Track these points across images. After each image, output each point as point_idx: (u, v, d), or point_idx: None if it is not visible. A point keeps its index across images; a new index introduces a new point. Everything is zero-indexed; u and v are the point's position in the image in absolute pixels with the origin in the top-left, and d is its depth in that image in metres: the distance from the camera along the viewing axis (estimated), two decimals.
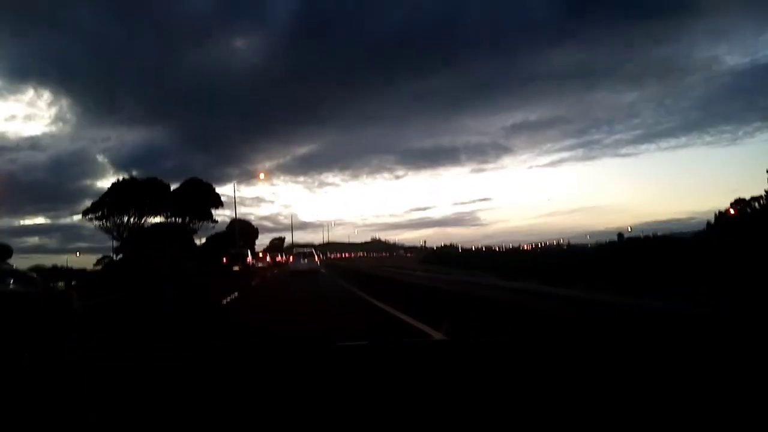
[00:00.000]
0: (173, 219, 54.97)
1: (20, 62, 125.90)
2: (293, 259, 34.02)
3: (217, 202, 60.71)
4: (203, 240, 65.94)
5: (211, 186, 61.76)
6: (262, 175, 58.53)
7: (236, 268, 35.48)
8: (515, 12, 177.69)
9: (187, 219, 56.71)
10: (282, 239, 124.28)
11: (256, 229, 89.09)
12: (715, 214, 53.93)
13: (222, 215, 68.27)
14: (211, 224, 61.36)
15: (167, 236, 43.91)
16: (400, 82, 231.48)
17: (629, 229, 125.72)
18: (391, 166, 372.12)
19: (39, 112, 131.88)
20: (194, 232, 57.59)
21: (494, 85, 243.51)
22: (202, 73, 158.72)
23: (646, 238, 73.72)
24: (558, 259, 59.83)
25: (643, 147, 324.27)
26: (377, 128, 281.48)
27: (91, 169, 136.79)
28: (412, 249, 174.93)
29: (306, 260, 32.71)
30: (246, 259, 37.85)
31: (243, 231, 69.10)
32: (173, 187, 55.59)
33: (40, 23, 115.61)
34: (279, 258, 70.71)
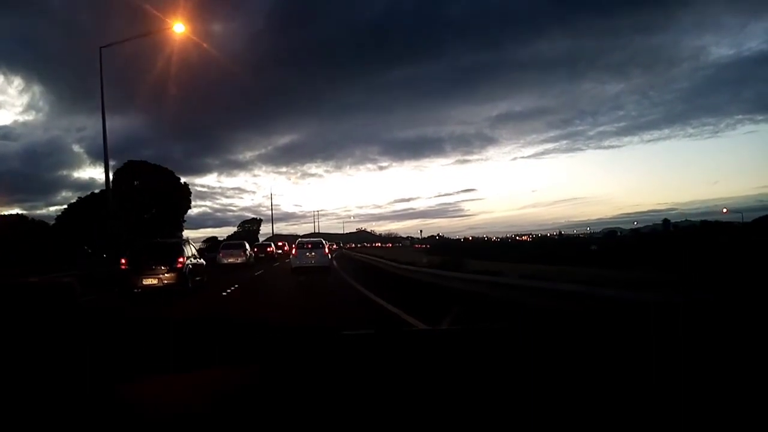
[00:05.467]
0: None
1: None
2: (296, 251, 26.04)
3: None
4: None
5: None
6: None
7: (152, 282, 15.66)
8: (501, 1, 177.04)
9: None
10: (257, 221, 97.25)
11: (185, 186, 47.63)
12: None
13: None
14: None
15: None
16: (384, 71, 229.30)
17: (724, 210, 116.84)
18: (375, 157, 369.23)
19: (9, 100, 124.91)
20: None
21: (479, 75, 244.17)
22: (180, 60, 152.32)
23: (704, 223, 74.14)
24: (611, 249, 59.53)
25: (627, 139, 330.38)
26: (361, 118, 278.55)
27: (67, 159, 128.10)
28: (417, 240, 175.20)
29: (313, 253, 25.27)
30: (179, 258, 16.52)
31: (146, 185, 36.66)
32: None
33: (10, 6, 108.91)
34: (270, 249, 45.49)
